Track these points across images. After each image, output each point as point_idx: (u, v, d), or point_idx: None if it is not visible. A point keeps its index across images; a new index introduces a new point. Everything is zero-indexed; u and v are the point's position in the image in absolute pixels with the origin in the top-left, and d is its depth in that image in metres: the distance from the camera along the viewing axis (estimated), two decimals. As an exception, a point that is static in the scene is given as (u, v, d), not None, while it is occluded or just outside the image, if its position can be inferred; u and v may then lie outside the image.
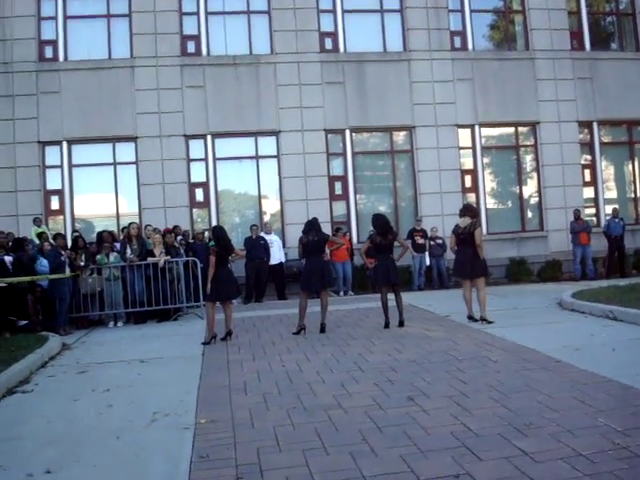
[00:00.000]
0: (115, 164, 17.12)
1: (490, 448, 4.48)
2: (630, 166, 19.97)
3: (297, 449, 4.70)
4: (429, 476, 4.06)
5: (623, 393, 5.63)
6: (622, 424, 4.78)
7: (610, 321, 9.55)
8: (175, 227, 15.03)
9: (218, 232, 10.15)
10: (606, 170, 19.93)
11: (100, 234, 13.64)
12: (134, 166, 17.06)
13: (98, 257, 12.72)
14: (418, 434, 4.87)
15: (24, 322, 11.17)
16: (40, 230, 14.38)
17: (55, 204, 16.90)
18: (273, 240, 16.16)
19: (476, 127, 18.50)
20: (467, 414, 5.29)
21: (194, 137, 17.25)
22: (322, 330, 9.96)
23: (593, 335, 8.53)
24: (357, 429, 5.06)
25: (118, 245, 13.34)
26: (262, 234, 16.04)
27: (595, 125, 19.24)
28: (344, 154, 17.96)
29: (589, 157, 19.36)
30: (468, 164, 18.64)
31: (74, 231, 15.53)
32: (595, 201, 19.33)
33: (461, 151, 18.47)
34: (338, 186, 17.91)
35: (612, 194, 20.02)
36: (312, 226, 10.32)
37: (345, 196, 17.92)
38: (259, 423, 5.43)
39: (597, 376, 6.28)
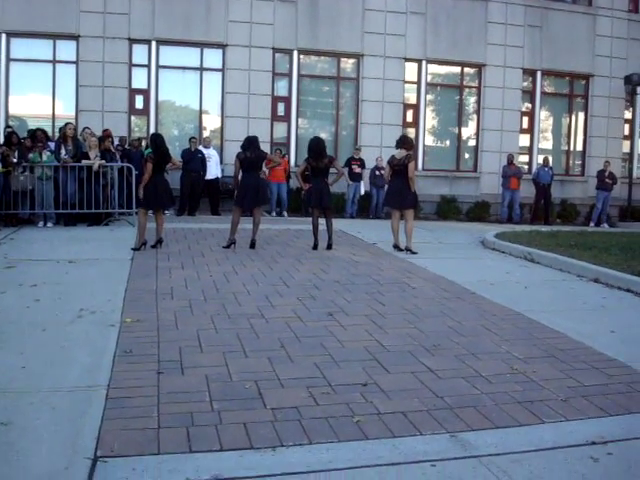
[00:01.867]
0: (54, 62, 16.54)
1: (398, 363, 4.81)
2: (568, 118, 20.46)
3: (218, 351, 4.94)
4: (340, 383, 4.35)
5: (528, 326, 6.04)
6: (523, 353, 5.18)
7: (527, 262, 10.01)
8: (105, 130, 14.76)
9: (157, 140, 10.07)
10: (544, 120, 20.38)
11: (34, 132, 13.32)
12: (74, 66, 16.52)
13: (31, 155, 12.46)
14: (333, 346, 5.16)
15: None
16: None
17: (-11, 99, 16.33)
18: (211, 155, 16.08)
19: (423, 62, 18.54)
20: (381, 332, 5.61)
21: (138, 42, 16.77)
22: (252, 246, 10.15)
23: (509, 273, 8.96)
24: (277, 337, 5.33)
25: (52, 145, 13.08)
26: (200, 148, 15.94)
27: (539, 74, 19.54)
28: (290, 75, 17.82)
29: (529, 105, 19.72)
30: (412, 99, 18.75)
31: (7, 127, 15.09)
32: (530, 149, 19.81)
33: (406, 85, 18.54)
34: (281, 107, 17.82)
35: (547, 144, 20.54)
36: (251, 143, 10.35)
37: (287, 118, 17.86)
38: (183, 326, 5.64)
39: (507, 309, 6.69)
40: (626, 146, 20.36)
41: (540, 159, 19.13)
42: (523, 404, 4.11)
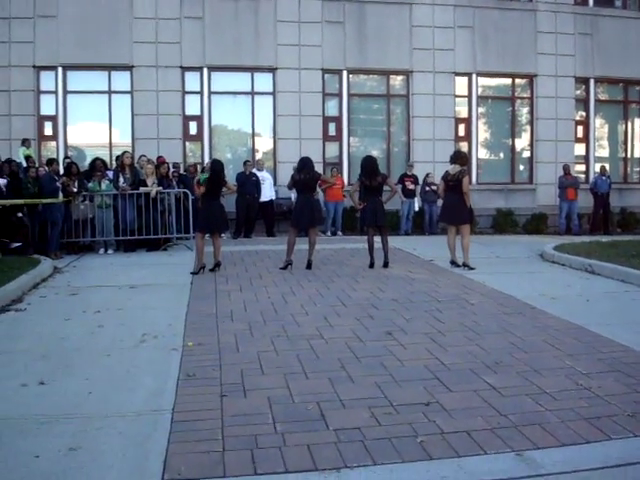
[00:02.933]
0: (110, 92, 17.02)
1: (460, 381, 4.76)
2: (623, 125, 20.08)
3: (279, 373, 4.97)
4: (401, 402, 4.34)
5: (591, 340, 5.91)
6: (587, 368, 5.07)
7: (588, 274, 9.83)
8: (159, 157, 15.04)
9: (216, 165, 10.20)
10: (599, 128, 20.03)
11: (93, 161, 13.69)
12: (129, 95, 16.97)
13: (90, 184, 12.81)
14: (394, 365, 5.15)
15: (17, 244, 11.33)
16: (28, 152, 14.34)
17: (48, 130, 16.82)
18: (265, 177, 16.26)
19: (473, 76, 18.48)
20: (441, 350, 5.57)
21: (190, 69, 17.13)
22: (308, 266, 10.20)
23: (570, 286, 8.82)
24: (336, 358, 5.34)
25: (110, 174, 13.41)
26: (254, 171, 16.12)
27: (592, 82, 19.25)
28: (340, 95, 17.95)
29: (583, 114, 19.44)
30: (463, 113, 18.67)
31: (66, 157, 15.55)
32: (585, 158, 19.48)
33: (457, 99, 18.49)
34: (332, 127, 17.93)
35: (603, 152, 20.17)
36: (305, 164, 10.45)
37: (338, 137, 17.96)
38: (244, 348, 5.70)
39: (569, 323, 6.56)
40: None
41: (597, 168, 18.77)
42: (589, 420, 4.03)
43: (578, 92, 19.23)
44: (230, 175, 15.84)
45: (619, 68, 19.05)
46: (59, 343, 5.97)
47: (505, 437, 3.79)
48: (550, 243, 12.80)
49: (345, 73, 17.83)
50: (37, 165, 12.88)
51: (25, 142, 15.02)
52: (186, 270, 10.11)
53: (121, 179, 12.96)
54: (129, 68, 16.82)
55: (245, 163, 16.09)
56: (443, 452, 3.62)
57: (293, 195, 13.87)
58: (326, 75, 17.76)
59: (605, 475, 3.36)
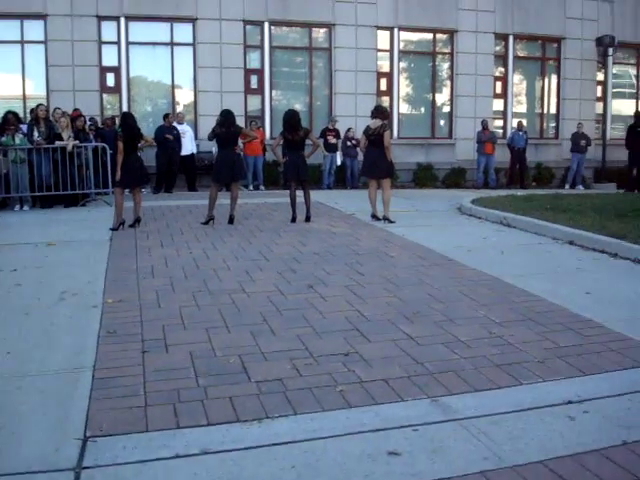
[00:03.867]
0: (22, 42, 16.30)
1: (379, 332, 4.90)
2: (540, 82, 20.53)
3: (201, 327, 5.00)
4: (322, 353, 4.44)
5: (505, 291, 6.15)
6: (500, 317, 5.29)
7: (504, 227, 10.14)
8: (76, 110, 14.62)
9: (128, 119, 10.05)
10: (517, 84, 20.44)
11: (5, 115, 13.14)
12: (43, 46, 16.31)
13: (3, 139, 12.30)
14: (315, 317, 5.25)
15: None
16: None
17: (-43, 80, 16.10)
18: (185, 130, 15.99)
19: (395, 30, 18.48)
20: (361, 302, 5.70)
21: (107, 18, 16.54)
22: (230, 221, 10.19)
23: (485, 238, 9.09)
24: (258, 311, 5.40)
25: (24, 127, 12.94)
26: (174, 124, 15.83)
27: (511, 38, 19.54)
28: (262, 47, 17.70)
29: (502, 70, 19.76)
30: (385, 67, 18.71)
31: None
32: (503, 113, 19.88)
33: (379, 53, 18.50)
34: (254, 80, 17.71)
35: (521, 108, 20.62)
36: (226, 118, 10.33)
37: (260, 91, 17.77)
38: (165, 304, 5.69)
39: (484, 274, 6.79)
40: (599, 108, 20.43)
41: (514, 123, 19.19)
42: (501, 367, 4.22)
43: (497, 48, 19.51)
44: (150, 129, 15.54)
45: (538, 25, 19.39)
46: (-27, 302, 5.82)
47: (421, 384, 3.94)
48: (468, 197, 13.10)
49: (267, 25, 17.55)
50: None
51: None
52: (105, 226, 9.93)
53: (35, 133, 12.50)
54: (43, 17, 16.11)
55: (165, 116, 15.75)
56: (362, 400, 3.73)
57: (214, 149, 13.74)
58: (247, 26, 17.45)
59: (517, 418, 3.52)
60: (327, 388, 3.88)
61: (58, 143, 12.39)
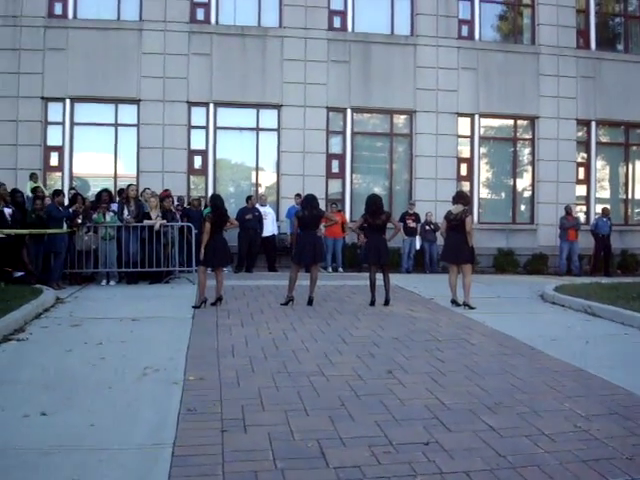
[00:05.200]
0: (117, 125, 17.26)
1: (460, 422, 4.78)
2: (624, 167, 20.24)
3: (279, 409, 4.99)
4: (401, 441, 4.36)
5: (590, 382, 5.94)
6: (586, 410, 5.09)
7: (588, 316, 9.85)
8: (166, 190, 15.22)
9: (216, 201, 10.37)
10: (600, 170, 20.22)
11: (100, 193, 13.82)
12: (135, 129, 17.19)
13: (95, 216, 12.90)
14: (394, 404, 5.17)
15: (20, 273, 11.37)
16: (35, 185, 14.43)
17: (54, 160, 17.01)
18: (267, 212, 16.35)
19: (476, 116, 18.70)
20: (442, 390, 5.60)
21: (197, 104, 17.37)
22: (310, 303, 10.25)
23: (570, 327, 8.84)
24: (337, 395, 5.36)
25: (115, 206, 13.52)
26: (257, 206, 16.22)
27: (593, 124, 19.47)
28: (344, 133, 18.16)
29: (585, 155, 19.62)
30: (465, 152, 18.86)
31: (71, 188, 15.69)
32: (586, 199, 19.61)
33: (459, 139, 18.69)
34: (335, 164, 18.11)
35: (604, 194, 20.32)
36: (310, 202, 10.56)
37: (341, 175, 18.13)
38: (245, 383, 5.72)
39: (568, 365, 6.58)
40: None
41: (598, 209, 18.89)
42: (587, 463, 4.04)
43: (580, 134, 19.44)
44: (232, 209, 15.95)
45: (620, 111, 19.27)
46: (61, 374, 5.99)
47: (504, 478, 3.81)
48: (550, 284, 12.83)
49: (349, 111, 18.06)
50: (46, 195, 12.96)
51: (32, 176, 15.07)
52: (188, 303, 10.15)
53: (125, 211, 13.06)
54: (136, 102, 17.04)
55: (248, 198, 16.18)
56: (442, 492, 3.64)
57: (289, 230, 14.00)
58: (330, 113, 17.98)
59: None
60: (406, 478, 3.80)
61: (146, 222, 12.86)
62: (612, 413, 5.02)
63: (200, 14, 17.50)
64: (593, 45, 19.57)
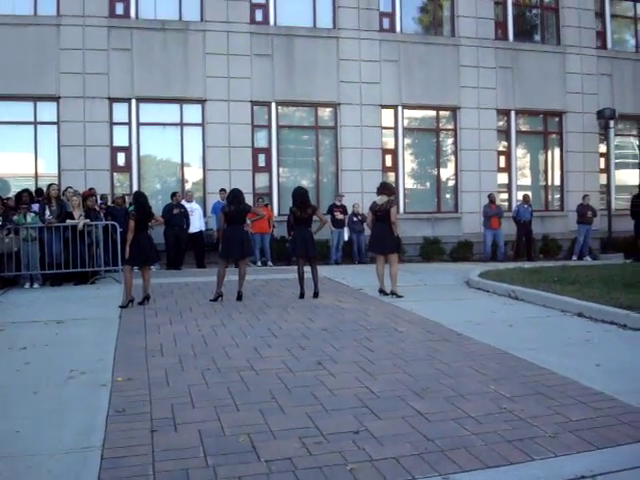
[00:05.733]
0: (36, 123, 16.75)
1: (389, 409, 4.87)
2: (544, 155, 20.84)
3: (210, 406, 4.98)
4: (331, 431, 4.41)
5: (515, 364, 6.12)
6: (510, 391, 5.26)
7: (511, 300, 10.14)
8: (90, 189, 14.94)
9: (140, 198, 10.24)
10: (521, 158, 20.80)
11: (20, 194, 13.45)
12: (55, 126, 16.73)
13: (16, 217, 12.53)
14: (324, 395, 5.22)
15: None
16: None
17: (-30, 160, 16.46)
18: (194, 208, 16.21)
19: (399, 108, 18.93)
20: (371, 378, 5.68)
21: (118, 100, 17.02)
22: (239, 298, 10.23)
23: (494, 312, 9.08)
24: (267, 389, 5.39)
25: (36, 206, 13.16)
26: (183, 202, 16.06)
27: (513, 113, 19.97)
28: (269, 126, 18.11)
29: (505, 144, 20.11)
30: (390, 144, 19.08)
31: (-10, 189, 15.22)
32: (508, 187, 20.13)
33: (383, 131, 18.90)
34: (262, 158, 18.06)
35: (525, 181, 20.90)
36: (235, 196, 10.52)
37: (268, 168, 18.10)
38: (174, 382, 5.68)
39: (493, 348, 6.77)
40: (603, 179, 20.70)
41: (519, 196, 19.39)
42: (513, 442, 4.18)
43: (500, 123, 19.92)
44: (159, 206, 15.77)
45: (538, 100, 19.86)
46: (-17, 381, 5.83)
47: (432, 462, 3.90)
48: (475, 270, 13.13)
49: (274, 105, 18.03)
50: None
51: None
52: (115, 303, 9.99)
53: (47, 212, 12.72)
54: (56, 99, 16.59)
55: (173, 195, 16.00)
56: (373, 479, 3.70)
57: (215, 226, 13.95)
58: (255, 107, 17.91)
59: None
60: (337, 467, 3.85)
61: (69, 222, 12.56)
62: (536, 393, 5.20)
63: (119, 8, 17.12)
64: (511, 36, 20.05)
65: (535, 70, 19.78)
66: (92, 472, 3.82)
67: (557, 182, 20.77)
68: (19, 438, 4.40)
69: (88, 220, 12.82)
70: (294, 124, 18.75)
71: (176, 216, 15.38)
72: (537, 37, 20.98)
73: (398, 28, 19.05)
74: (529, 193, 19.38)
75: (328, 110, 18.68)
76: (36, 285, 12.58)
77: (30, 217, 12.62)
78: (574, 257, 18.56)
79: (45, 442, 4.32)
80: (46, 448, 4.20)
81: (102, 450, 4.14)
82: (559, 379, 5.58)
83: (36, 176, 16.80)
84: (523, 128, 20.61)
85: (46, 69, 16.42)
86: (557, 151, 20.75)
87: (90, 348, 7.10)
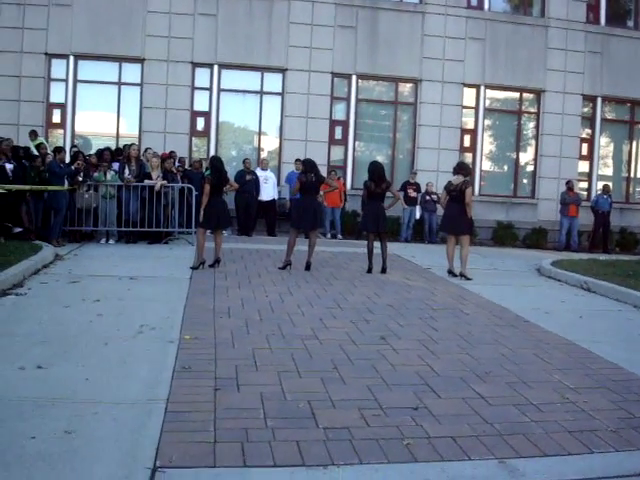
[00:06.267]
0: (120, 84, 17.14)
1: (449, 388, 4.86)
2: (628, 145, 20.15)
3: (272, 370, 5.07)
4: (391, 405, 4.43)
5: (581, 356, 6.01)
6: (574, 382, 5.17)
7: (583, 291, 9.93)
8: (171, 152, 15.22)
9: (216, 162, 10.37)
10: (604, 146, 20.14)
11: (101, 151, 13.82)
12: (138, 88, 17.07)
13: (96, 174, 12.91)
14: (385, 369, 5.25)
15: (19, 229, 11.42)
16: (38, 141, 14.33)
17: (57, 117, 16.93)
18: (268, 177, 16.29)
19: (482, 88, 18.57)
20: (433, 357, 5.67)
21: (201, 65, 17.24)
22: (307, 268, 10.29)
23: (564, 302, 8.91)
24: (330, 359, 5.44)
25: (116, 165, 13.50)
26: (257, 170, 16.19)
27: (599, 100, 19.35)
28: (348, 99, 18.05)
29: (589, 131, 19.53)
30: (469, 124, 18.78)
31: (73, 146, 15.63)
32: (589, 176, 19.57)
33: (464, 110, 18.59)
34: (338, 130, 18.04)
35: (607, 171, 20.29)
36: (311, 166, 10.54)
37: (344, 141, 18.07)
38: (239, 344, 5.79)
39: (561, 338, 6.66)
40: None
41: (599, 186, 18.83)
42: (573, 433, 4.12)
43: (585, 110, 19.33)
44: (233, 172, 15.93)
45: (627, 88, 19.16)
46: (58, 329, 6.06)
47: (489, 445, 3.88)
48: (548, 258, 12.89)
49: (354, 78, 17.94)
50: (48, 152, 12.92)
51: (31, 134, 14.69)
52: (186, 264, 10.21)
53: (126, 171, 13.04)
54: (140, 61, 16.93)
55: (244, 161, 16.13)
56: (428, 455, 3.71)
57: (288, 196, 13.98)
58: (335, 79, 17.87)
59: (586, 486, 3.45)
60: (394, 441, 3.87)
61: (147, 182, 12.86)
62: (600, 387, 5.10)
63: (207, -26, 17.29)
64: (603, 20, 19.34)
65: (625, 57, 19.07)
66: (156, 424, 3.95)
67: (640, 174, 20.11)
68: (88, 385, 4.58)
69: (165, 182, 13.09)
70: (373, 98, 18.63)
71: (248, 182, 15.49)
72: (630, 22, 20.14)
73: (486, 6, 18.61)
74: (609, 183, 18.76)
75: (409, 86, 18.47)
76: (112, 241, 12.98)
77: (110, 175, 12.98)
78: (652, 252, 17.98)
79: (112, 391, 4.47)
80: (113, 397, 4.36)
81: (166, 404, 4.27)
82: (625, 374, 5.47)
83: (117, 136, 17.23)
84: (609, 116, 19.94)
85: (133, 31, 16.75)
86: (643, 142, 20.04)
87: (160, 305, 7.29)
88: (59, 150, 12.72)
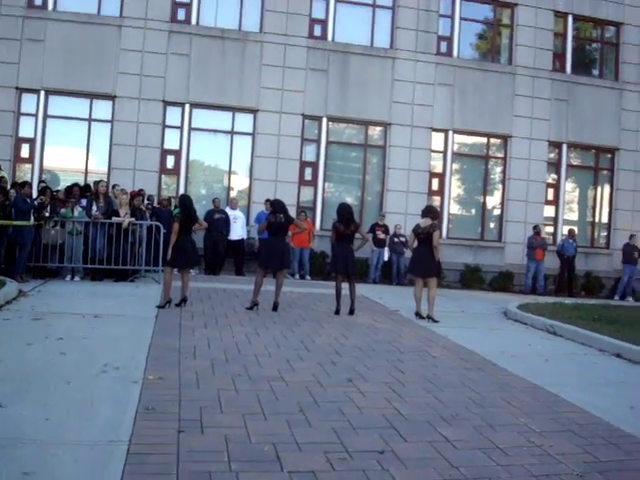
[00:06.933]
0: (90, 120, 17.10)
1: (416, 432, 4.83)
2: (593, 191, 20.53)
3: (238, 412, 5.00)
4: (357, 449, 4.39)
5: (547, 400, 6.03)
6: (541, 426, 5.17)
7: (549, 335, 9.99)
8: (140, 190, 15.16)
9: (185, 201, 10.35)
10: (570, 192, 20.50)
11: (70, 187, 13.72)
12: (109, 125, 17.06)
13: (63, 210, 12.79)
14: (352, 412, 5.20)
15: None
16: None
17: (25, 152, 16.79)
18: (237, 216, 16.32)
19: (450, 132, 18.87)
20: (400, 400, 5.64)
21: (173, 104, 17.30)
22: (274, 308, 10.24)
23: (530, 345, 8.96)
24: (296, 401, 5.39)
25: (84, 201, 13.39)
26: (227, 209, 16.19)
27: (565, 146, 19.75)
28: (318, 141, 18.21)
29: (555, 176, 19.87)
30: (438, 167, 19.01)
31: (41, 181, 15.51)
32: (554, 220, 19.85)
33: (432, 154, 18.84)
34: (308, 172, 18.14)
35: (572, 216, 20.59)
36: (280, 207, 10.56)
37: (314, 182, 18.17)
38: (204, 385, 5.72)
39: (527, 382, 6.68)
40: (652, 221, 20.33)
41: (565, 230, 19.14)
42: (539, 478, 4.11)
43: (551, 155, 19.70)
44: (202, 211, 15.90)
45: (592, 135, 19.60)
46: (19, 367, 5.93)
47: (456, 490, 3.86)
48: (514, 301, 12.99)
49: (325, 120, 18.12)
50: (9, 187, 12.76)
51: None
52: (152, 303, 10.10)
53: (94, 207, 12.95)
54: (111, 98, 16.93)
55: (214, 200, 16.14)
56: (394, 501, 3.67)
57: (257, 236, 13.99)
58: (306, 120, 18.03)
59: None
60: (360, 485, 3.83)
61: (115, 219, 12.77)
62: (566, 430, 5.11)
63: (181, 14, 17.45)
64: (569, 69, 19.85)
65: (590, 104, 19.55)
66: (117, 465, 3.86)
67: (605, 219, 20.44)
68: (48, 425, 4.47)
69: (133, 219, 13.02)
70: (343, 140, 18.82)
71: (217, 221, 15.47)
72: (595, 71, 20.70)
73: (455, 53, 19.03)
74: (575, 228, 19.07)
75: (378, 129, 18.70)
76: (77, 278, 12.81)
77: (77, 211, 12.88)
78: (616, 297, 18.20)
79: (74, 432, 4.37)
80: (74, 438, 4.26)
81: (129, 445, 4.18)
82: (591, 418, 5.49)
83: (86, 172, 17.14)
84: (574, 162, 20.34)
85: (105, 68, 16.77)
86: (607, 188, 20.41)
87: (125, 344, 7.19)
88: (23, 185, 12.58)
